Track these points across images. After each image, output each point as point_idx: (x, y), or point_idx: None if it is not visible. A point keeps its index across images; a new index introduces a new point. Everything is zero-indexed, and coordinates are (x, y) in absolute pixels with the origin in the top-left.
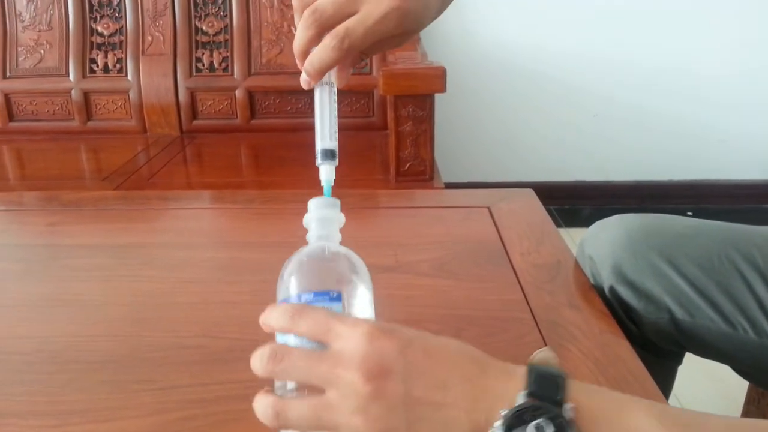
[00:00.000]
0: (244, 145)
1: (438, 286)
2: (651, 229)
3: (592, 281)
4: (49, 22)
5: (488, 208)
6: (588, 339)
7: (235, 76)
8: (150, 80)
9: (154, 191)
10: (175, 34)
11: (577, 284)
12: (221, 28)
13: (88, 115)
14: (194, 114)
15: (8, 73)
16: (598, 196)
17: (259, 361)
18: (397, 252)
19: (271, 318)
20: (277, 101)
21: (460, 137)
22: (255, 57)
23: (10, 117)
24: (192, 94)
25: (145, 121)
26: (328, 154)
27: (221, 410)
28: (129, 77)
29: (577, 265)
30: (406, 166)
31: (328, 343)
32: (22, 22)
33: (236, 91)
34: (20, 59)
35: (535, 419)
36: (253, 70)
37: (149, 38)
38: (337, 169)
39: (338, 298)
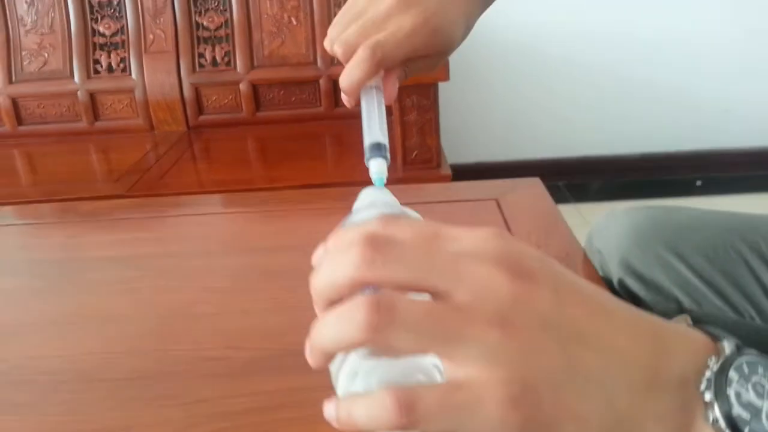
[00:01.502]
0: (250, 139)
1: None
2: (657, 222)
3: (601, 273)
4: (51, 25)
5: (496, 200)
6: None
7: (238, 70)
8: (154, 78)
9: (167, 198)
10: (176, 31)
11: (587, 277)
12: (222, 23)
13: (96, 115)
14: (200, 109)
15: (14, 78)
16: (606, 170)
17: (342, 258)
18: None
19: (348, 234)
20: (282, 93)
21: (466, 118)
22: (257, 50)
23: (19, 121)
24: (197, 90)
25: (152, 119)
26: (377, 148)
27: (250, 422)
28: (133, 76)
29: (586, 258)
30: (413, 155)
31: (439, 251)
32: (24, 26)
33: (240, 85)
34: (25, 63)
35: (756, 375)
36: (255, 63)
37: (151, 36)
38: (344, 159)
39: None
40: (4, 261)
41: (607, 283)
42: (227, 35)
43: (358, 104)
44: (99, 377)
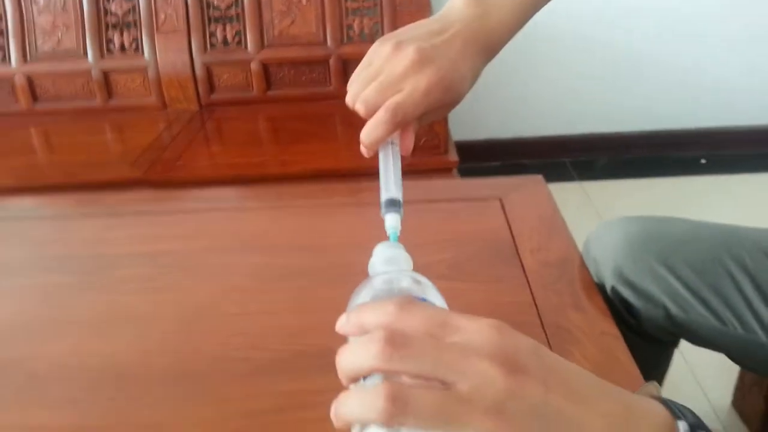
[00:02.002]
0: (261, 118)
1: (456, 289)
2: (650, 234)
3: (596, 279)
4: (64, 5)
5: (500, 199)
6: (590, 341)
7: (249, 49)
8: (166, 57)
9: (185, 191)
10: (188, 10)
11: (582, 283)
12: (232, 2)
13: (109, 93)
14: (212, 88)
15: (29, 57)
16: (611, 147)
17: (365, 350)
18: (413, 252)
19: (367, 315)
20: (292, 72)
21: (473, 95)
22: (267, 29)
23: (35, 98)
24: (208, 69)
25: (165, 97)
26: (392, 204)
27: (272, 421)
28: (146, 55)
29: (582, 264)
30: (421, 141)
31: (444, 340)
32: (38, 5)
33: (251, 64)
34: (39, 42)
35: None
36: (266, 43)
37: (162, 16)
38: (354, 140)
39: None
40: (35, 255)
41: (600, 289)
42: (238, 14)
43: (375, 156)
44: (133, 375)
